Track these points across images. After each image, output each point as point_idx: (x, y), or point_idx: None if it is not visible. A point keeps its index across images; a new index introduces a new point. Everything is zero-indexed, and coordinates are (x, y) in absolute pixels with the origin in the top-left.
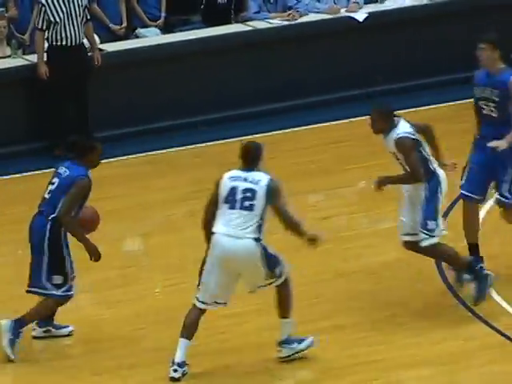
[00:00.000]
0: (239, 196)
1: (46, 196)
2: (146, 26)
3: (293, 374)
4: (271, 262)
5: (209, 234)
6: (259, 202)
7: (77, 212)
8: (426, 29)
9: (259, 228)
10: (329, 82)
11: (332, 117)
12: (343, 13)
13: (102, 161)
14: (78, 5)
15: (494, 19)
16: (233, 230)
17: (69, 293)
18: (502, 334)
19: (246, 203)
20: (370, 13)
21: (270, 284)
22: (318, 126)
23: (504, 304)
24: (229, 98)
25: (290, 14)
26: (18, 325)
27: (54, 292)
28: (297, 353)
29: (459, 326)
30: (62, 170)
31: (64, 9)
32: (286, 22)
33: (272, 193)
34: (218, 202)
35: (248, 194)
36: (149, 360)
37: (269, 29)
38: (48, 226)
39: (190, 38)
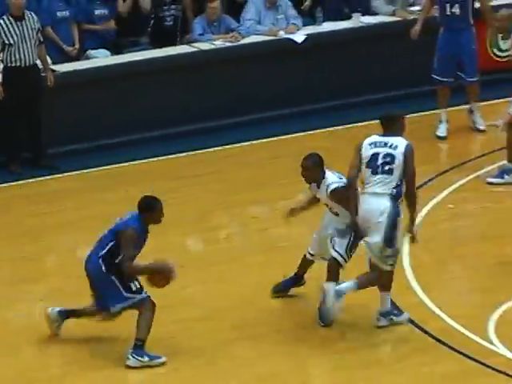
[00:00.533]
0: (380, 161)
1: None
2: (96, 48)
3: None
4: (394, 227)
5: (353, 193)
6: (398, 166)
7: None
8: (360, 49)
9: (397, 188)
10: (269, 101)
11: (270, 133)
12: (282, 34)
13: (55, 176)
14: (32, 28)
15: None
16: (377, 189)
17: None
18: (433, 337)
19: (386, 167)
20: (308, 34)
21: (382, 261)
22: (258, 142)
23: (435, 309)
24: (175, 116)
25: (232, 36)
26: None
27: (139, 296)
28: (393, 324)
29: (392, 330)
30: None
31: (18, 32)
32: (229, 44)
33: (407, 156)
34: (360, 166)
35: (388, 159)
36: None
37: (212, 50)
38: (100, 261)
39: (138, 58)
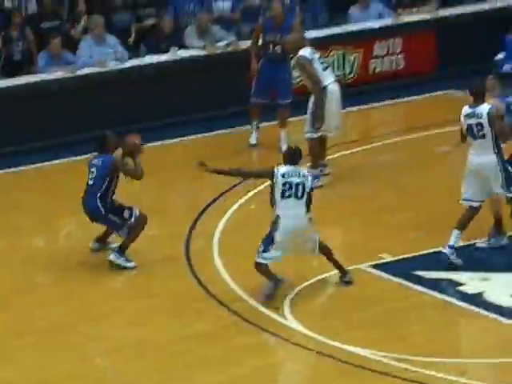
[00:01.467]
0: (474, 130)
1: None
2: None
3: None
4: (509, 175)
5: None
6: (487, 129)
7: None
8: (177, 78)
9: (496, 147)
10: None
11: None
12: (111, 65)
13: None
14: None
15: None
16: (479, 151)
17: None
18: (238, 315)
19: (480, 133)
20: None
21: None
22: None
23: (242, 293)
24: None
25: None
26: None
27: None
28: None
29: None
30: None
31: None
32: (68, 74)
33: (491, 119)
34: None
35: (479, 127)
36: None
37: (53, 80)
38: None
39: None
